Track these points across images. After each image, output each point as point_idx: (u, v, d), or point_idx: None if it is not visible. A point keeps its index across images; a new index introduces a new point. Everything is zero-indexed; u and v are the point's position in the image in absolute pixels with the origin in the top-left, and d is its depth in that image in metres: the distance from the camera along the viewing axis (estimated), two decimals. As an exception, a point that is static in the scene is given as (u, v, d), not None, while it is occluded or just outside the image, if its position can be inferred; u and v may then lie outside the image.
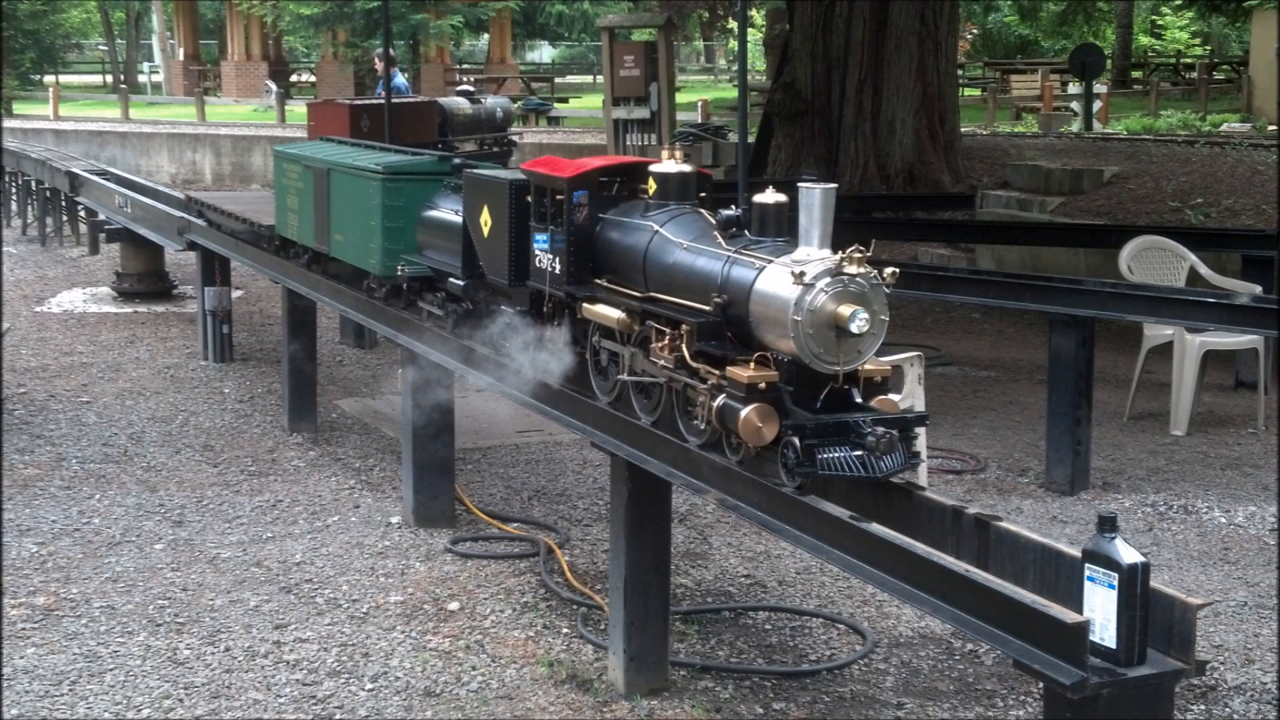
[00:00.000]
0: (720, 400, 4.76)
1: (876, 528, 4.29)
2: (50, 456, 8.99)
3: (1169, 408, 9.83)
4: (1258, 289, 9.57)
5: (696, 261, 5.17)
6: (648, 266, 5.42)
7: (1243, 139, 18.52)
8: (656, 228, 5.43)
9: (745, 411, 4.58)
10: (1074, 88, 27.46)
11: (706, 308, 5.00)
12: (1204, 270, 10.33)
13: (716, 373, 4.87)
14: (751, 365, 4.73)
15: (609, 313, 5.52)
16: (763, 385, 4.63)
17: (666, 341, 5.19)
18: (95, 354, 12.05)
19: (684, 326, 5.08)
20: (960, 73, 28.03)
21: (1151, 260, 10.27)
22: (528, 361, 6.17)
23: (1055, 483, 8.36)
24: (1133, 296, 8.61)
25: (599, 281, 5.74)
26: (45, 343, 12.50)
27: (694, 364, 5.03)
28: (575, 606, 6.54)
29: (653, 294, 5.37)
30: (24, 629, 6.29)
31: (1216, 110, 25.18)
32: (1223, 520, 7.83)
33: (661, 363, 5.22)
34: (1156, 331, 9.88)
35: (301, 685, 5.74)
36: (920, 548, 4.15)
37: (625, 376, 5.55)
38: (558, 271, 5.86)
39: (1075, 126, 23.56)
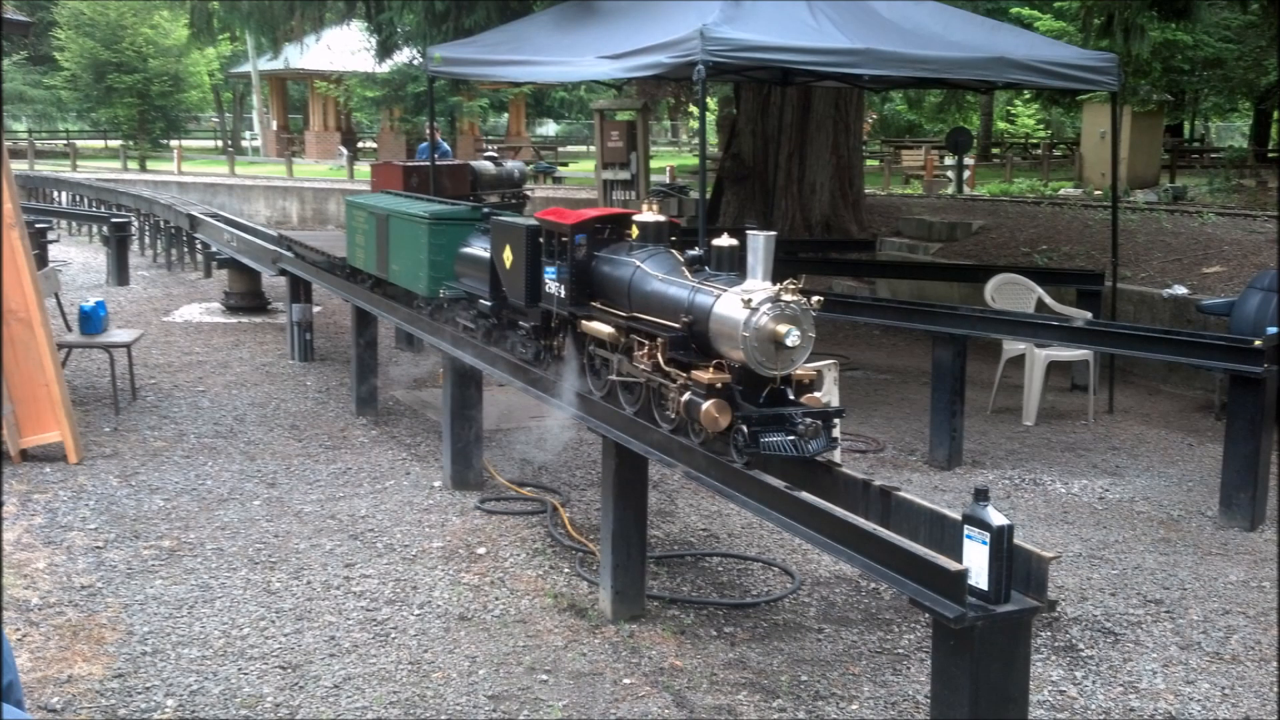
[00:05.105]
0: (686, 396, 4.79)
1: (805, 495, 4.27)
2: (174, 432, 8.90)
3: (1021, 404, 9.84)
4: (1088, 315, 9.59)
5: (669, 290, 5.19)
6: (631, 293, 5.42)
7: (1076, 201, 18.55)
8: (638, 263, 5.45)
9: (706, 404, 4.60)
10: (949, 160, 27.52)
11: (676, 325, 5.02)
12: (1048, 300, 10.35)
13: (684, 375, 4.89)
14: (710, 369, 4.74)
15: (602, 328, 5.53)
16: (719, 384, 4.64)
17: (646, 351, 5.21)
18: (208, 354, 11.93)
19: (659, 339, 5.10)
20: (864, 147, 28.02)
21: (1009, 292, 10.28)
22: (539, 365, 6.22)
23: (936, 460, 8.36)
24: (995, 320, 8.61)
25: (594, 304, 5.75)
26: (170, 345, 12.38)
27: (666, 368, 5.04)
28: (574, 552, 6.51)
29: (635, 314, 5.38)
30: (154, 565, 6.23)
31: (1056, 179, 25.19)
32: (1062, 490, 7.83)
33: (642, 367, 5.23)
34: (1013, 346, 9.89)
35: (365, 610, 5.70)
36: (838, 510, 4.11)
37: (614, 377, 5.56)
38: (563, 296, 5.87)
39: (950, 190, 23.59)
